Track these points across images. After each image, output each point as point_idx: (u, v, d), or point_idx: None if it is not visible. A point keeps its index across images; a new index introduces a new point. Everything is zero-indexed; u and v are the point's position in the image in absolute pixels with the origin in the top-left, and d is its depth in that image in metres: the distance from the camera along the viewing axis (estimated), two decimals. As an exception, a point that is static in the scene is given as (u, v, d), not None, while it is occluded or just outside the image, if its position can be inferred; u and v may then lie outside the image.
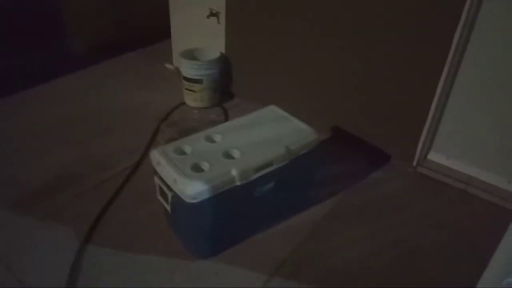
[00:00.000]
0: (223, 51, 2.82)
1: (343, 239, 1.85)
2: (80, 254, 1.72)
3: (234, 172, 1.58)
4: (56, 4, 3.36)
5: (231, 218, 1.72)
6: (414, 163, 2.25)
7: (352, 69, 2.27)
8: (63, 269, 1.65)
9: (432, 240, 1.85)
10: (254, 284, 1.63)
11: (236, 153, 1.69)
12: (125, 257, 1.72)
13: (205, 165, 1.62)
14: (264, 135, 1.79)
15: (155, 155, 1.68)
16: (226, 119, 2.67)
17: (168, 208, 1.67)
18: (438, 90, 2.03)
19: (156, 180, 1.69)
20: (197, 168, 1.60)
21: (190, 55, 2.78)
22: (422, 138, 2.17)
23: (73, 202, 1.98)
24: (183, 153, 1.69)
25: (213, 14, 2.74)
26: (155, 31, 3.47)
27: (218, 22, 2.76)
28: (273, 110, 1.98)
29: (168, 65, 3.26)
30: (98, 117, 2.65)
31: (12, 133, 2.45)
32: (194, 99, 2.78)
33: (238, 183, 1.60)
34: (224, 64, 2.82)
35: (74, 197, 2.01)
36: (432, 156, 2.26)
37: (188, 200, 1.52)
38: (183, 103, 2.83)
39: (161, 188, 1.68)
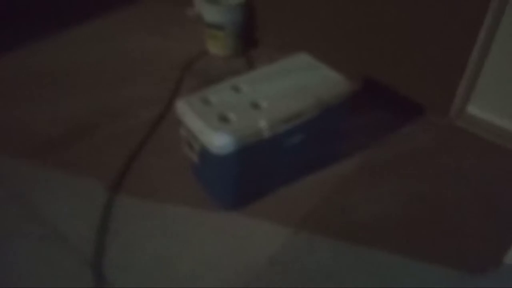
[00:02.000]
0: (248, -6, 2.66)
1: (370, 194, 1.80)
2: (110, 203, 1.73)
3: (261, 123, 1.52)
4: None
5: (258, 170, 1.68)
6: (449, 116, 2.13)
7: (387, 14, 2.11)
8: (93, 217, 1.67)
9: (460, 197, 1.78)
10: (280, 237, 1.62)
11: (264, 104, 1.62)
12: (153, 207, 1.72)
13: (232, 116, 1.56)
14: (293, 85, 1.70)
15: (181, 105, 1.62)
16: (252, 68, 2.56)
17: (195, 159, 1.64)
18: (480, 38, 1.87)
19: (182, 131, 1.65)
20: (223, 119, 1.55)
21: (213, -1, 2.64)
22: (459, 90, 2.04)
23: (97, 151, 1.97)
24: (209, 103, 1.63)
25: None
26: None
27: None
28: (303, 57, 1.87)
29: (188, 10, 3.12)
30: (114, 65, 2.56)
31: (24, 82, 2.40)
32: (217, 46, 2.67)
33: (265, 135, 1.54)
34: (250, 9, 2.67)
35: (97, 146, 1.99)
36: (469, 109, 2.14)
37: (215, 152, 1.49)
38: (206, 51, 2.73)
39: (187, 139, 1.64)
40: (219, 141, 1.47)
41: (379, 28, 2.18)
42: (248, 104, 1.61)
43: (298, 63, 1.84)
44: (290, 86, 1.69)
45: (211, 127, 1.49)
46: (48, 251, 1.56)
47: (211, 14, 2.58)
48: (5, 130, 2.07)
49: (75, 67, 2.53)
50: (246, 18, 2.67)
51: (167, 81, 2.42)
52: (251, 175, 1.67)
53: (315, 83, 1.70)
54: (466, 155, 2.00)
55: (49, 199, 1.75)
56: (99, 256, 1.54)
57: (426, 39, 2.04)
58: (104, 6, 3.11)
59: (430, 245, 1.61)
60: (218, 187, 1.71)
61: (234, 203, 1.72)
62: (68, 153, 1.95)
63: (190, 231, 1.64)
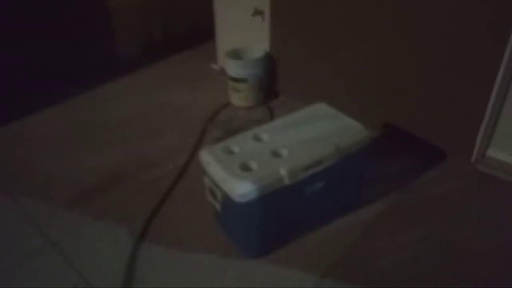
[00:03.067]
0: (268, 49, 2.81)
1: (395, 241, 1.78)
2: (135, 251, 1.77)
3: (282, 171, 1.57)
4: (102, 7, 3.45)
5: (280, 217, 1.70)
6: (472, 160, 2.12)
7: (404, 62, 2.18)
8: (119, 265, 1.71)
9: (489, 244, 1.74)
10: (305, 285, 1.61)
11: (284, 152, 1.67)
12: (178, 255, 1.75)
13: (253, 165, 1.61)
14: (312, 133, 1.76)
15: (204, 155, 1.70)
16: (272, 117, 2.65)
17: (218, 207, 1.68)
18: (497, 82, 1.91)
19: (206, 180, 1.71)
20: (245, 168, 1.60)
21: (235, 54, 2.80)
22: (480, 133, 2.05)
23: (125, 200, 2.05)
24: (231, 152, 1.69)
25: (257, 12, 2.74)
26: (200, 31, 3.51)
27: (263, 21, 2.75)
28: (321, 107, 1.94)
29: (213, 65, 3.30)
30: (145, 117, 2.72)
31: (63, 134, 2.58)
32: (239, 98, 2.79)
33: (286, 183, 1.58)
34: (269, 62, 2.81)
35: (126, 195, 2.08)
36: (492, 153, 2.12)
37: (237, 200, 1.53)
38: (229, 103, 2.85)
39: (210, 188, 1.70)
40: (241, 190, 1.51)
41: (399, 76, 2.24)
42: (269, 153, 1.66)
43: (316, 113, 1.91)
44: (309, 135, 1.75)
45: (233, 175, 1.55)
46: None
47: (233, 68, 2.72)
48: (46, 179, 2.20)
49: (110, 120, 2.70)
50: (267, 71, 2.80)
51: (193, 131, 2.53)
52: (274, 222, 1.69)
53: (333, 132, 1.76)
54: (490, 199, 1.97)
55: (79, 246, 1.81)
56: (125, 304, 1.56)
57: (446, 86, 2.08)
58: (139, 64, 3.37)
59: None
60: (241, 235, 1.73)
61: (257, 250, 1.73)
62: (101, 201, 2.04)
63: (215, 279, 1.65)
